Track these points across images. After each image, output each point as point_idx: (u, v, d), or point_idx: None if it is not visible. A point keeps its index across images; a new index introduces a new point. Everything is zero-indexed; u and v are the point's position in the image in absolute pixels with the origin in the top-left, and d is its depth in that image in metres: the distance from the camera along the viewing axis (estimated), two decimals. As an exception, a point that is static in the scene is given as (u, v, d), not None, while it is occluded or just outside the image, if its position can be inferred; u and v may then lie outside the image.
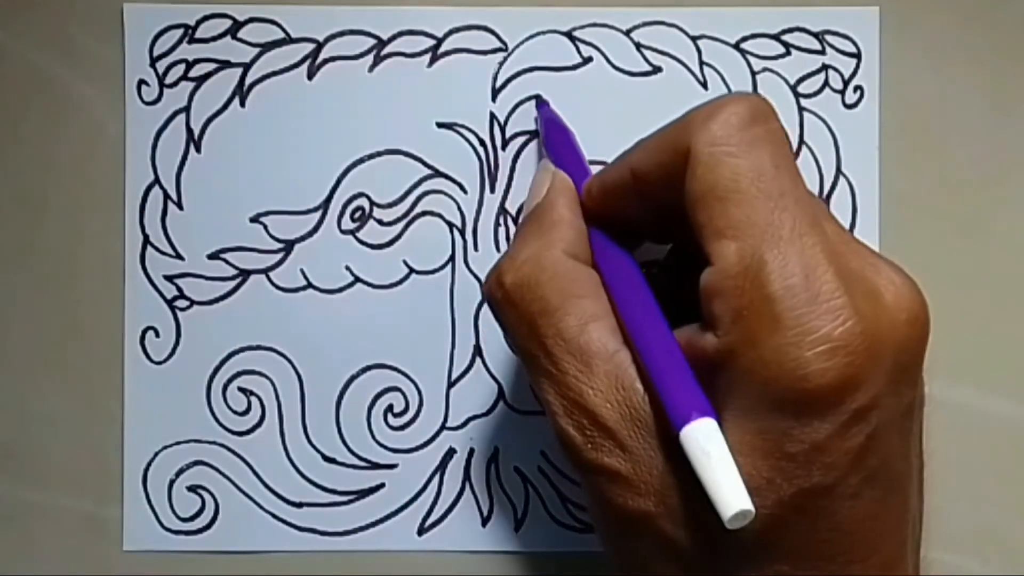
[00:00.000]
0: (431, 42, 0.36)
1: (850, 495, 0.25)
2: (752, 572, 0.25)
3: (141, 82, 0.36)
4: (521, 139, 0.36)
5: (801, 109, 0.36)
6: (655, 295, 0.28)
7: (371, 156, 0.36)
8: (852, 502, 0.25)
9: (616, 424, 0.26)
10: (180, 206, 0.36)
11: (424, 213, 0.36)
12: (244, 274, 0.36)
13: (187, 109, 0.36)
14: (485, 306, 0.36)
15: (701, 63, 0.36)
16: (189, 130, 0.36)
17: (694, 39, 0.36)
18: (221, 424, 0.36)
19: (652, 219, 0.30)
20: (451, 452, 0.36)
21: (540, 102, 0.36)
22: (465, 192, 0.36)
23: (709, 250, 0.26)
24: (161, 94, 0.36)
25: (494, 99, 0.36)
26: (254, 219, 0.36)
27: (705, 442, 0.24)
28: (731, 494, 0.23)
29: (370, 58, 0.36)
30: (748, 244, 0.25)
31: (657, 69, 0.36)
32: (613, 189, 0.30)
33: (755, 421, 0.25)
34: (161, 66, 0.36)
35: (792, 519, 0.25)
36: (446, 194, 0.36)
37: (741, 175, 0.26)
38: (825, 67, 0.36)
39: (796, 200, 0.26)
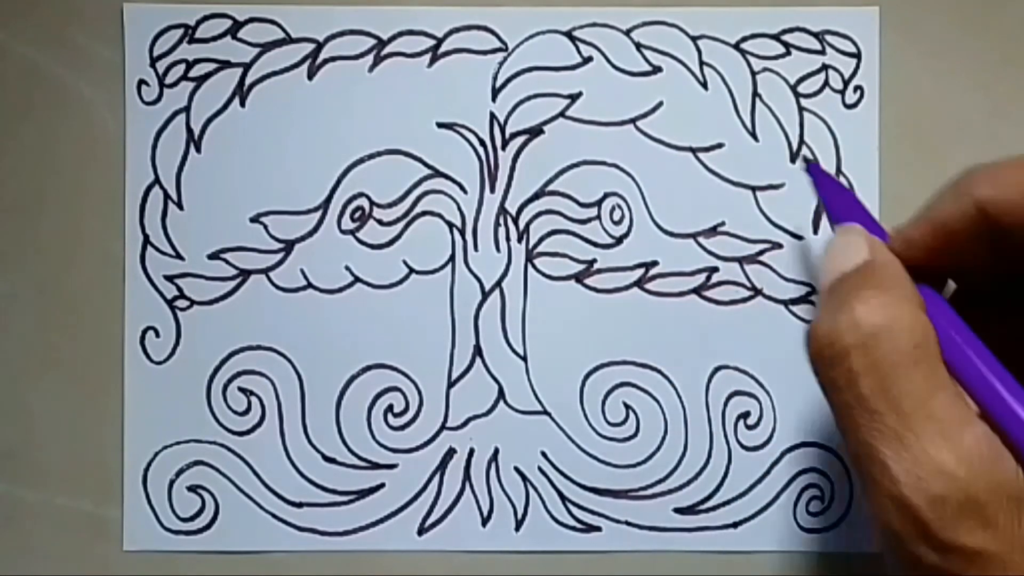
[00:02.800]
0: (431, 42, 0.36)
1: None
2: None
3: (141, 82, 0.36)
4: (521, 139, 0.36)
5: (801, 109, 0.36)
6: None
7: (371, 156, 0.36)
8: None
9: (987, 496, 0.23)
10: (180, 206, 0.36)
11: (424, 213, 0.36)
12: (244, 274, 0.36)
13: (187, 109, 0.36)
14: (485, 306, 0.36)
15: (701, 63, 0.36)
16: (189, 130, 0.36)
17: (694, 39, 0.36)
18: (221, 424, 0.36)
19: (995, 266, 0.27)
20: (451, 452, 0.36)
21: (810, 163, 0.34)
22: (465, 192, 0.36)
23: None
24: (161, 94, 0.36)
25: (494, 99, 0.36)
26: (254, 219, 0.36)
27: None
28: None
29: (370, 58, 0.36)
30: None
31: (657, 69, 0.36)
32: (951, 230, 0.26)
33: None
34: (161, 66, 0.36)
35: None
36: (446, 194, 0.36)
37: None
38: (825, 67, 0.36)
39: None
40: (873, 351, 0.25)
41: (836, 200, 0.31)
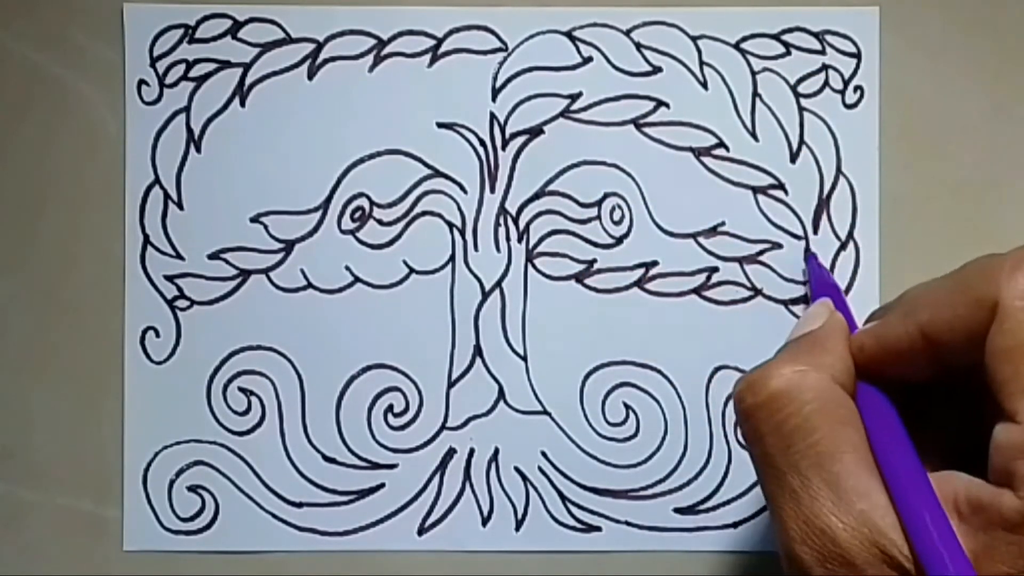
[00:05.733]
0: (431, 42, 0.36)
1: None
2: None
3: (141, 82, 0.36)
4: (521, 139, 0.36)
5: (801, 109, 0.36)
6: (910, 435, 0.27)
7: (371, 156, 0.36)
8: None
9: (865, 563, 0.25)
10: (180, 206, 0.36)
11: (424, 213, 0.36)
12: (244, 274, 0.36)
13: (187, 109, 0.36)
14: (485, 306, 0.36)
15: (701, 63, 0.36)
16: (189, 130, 0.36)
17: (694, 39, 0.36)
18: (221, 424, 0.36)
19: (932, 376, 0.28)
20: (451, 452, 0.36)
21: (809, 254, 0.36)
22: (465, 192, 0.36)
23: (1013, 408, 0.25)
24: (161, 94, 0.36)
25: (494, 99, 0.36)
26: (254, 219, 0.36)
27: None
28: None
29: (370, 58, 0.36)
30: None
31: (657, 69, 0.36)
32: (895, 348, 0.28)
33: None
34: (161, 66, 0.36)
35: None
36: (446, 194, 0.36)
37: None
38: (825, 67, 0.36)
39: None
40: (776, 413, 0.27)
41: (822, 286, 0.34)
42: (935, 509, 0.25)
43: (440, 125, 0.36)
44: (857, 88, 0.36)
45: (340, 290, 0.36)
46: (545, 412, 0.36)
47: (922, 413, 0.29)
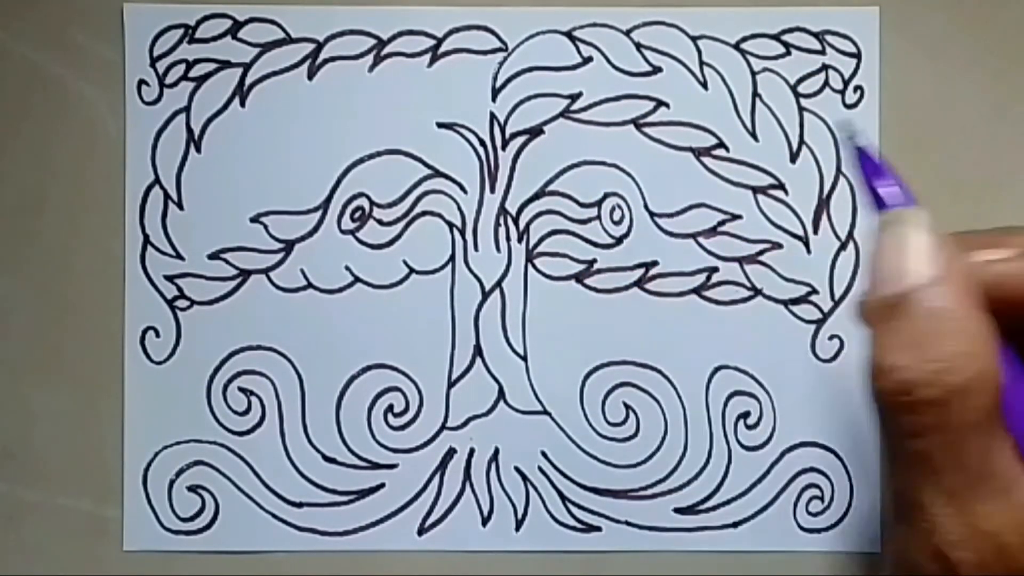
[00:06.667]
0: (431, 42, 0.36)
1: None
2: None
3: (141, 82, 0.36)
4: (521, 139, 0.36)
5: (801, 109, 0.36)
6: None
7: (371, 156, 0.36)
8: None
9: None
10: (180, 206, 0.36)
11: (424, 213, 0.36)
12: (244, 274, 0.36)
13: (187, 109, 0.36)
14: (485, 306, 0.36)
15: (701, 63, 0.36)
16: (189, 130, 0.36)
17: (694, 39, 0.36)
18: (221, 424, 0.36)
19: None
20: (451, 452, 0.36)
21: (850, 135, 0.29)
22: (465, 192, 0.36)
23: None
24: (161, 94, 0.36)
25: (494, 99, 0.36)
26: (254, 219, 0.36)
27: None
28: None
29: (370, 58, 0.36)
30: None
31: (657, 69, 0.36)
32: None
33: None
34: (161, 66, 0.36)
35: None
36: (446, 194, 0.36)
37: None
38: (825, 67, 0.36)
39: None
40: (952, 410, 0.23)
41: (881, 180, 0.27)
42: None
43: (440, 125, 0.36)
44: (857, 88, 0.36)
45: (340, 290, 0.36)
46: (545, 412, 0.36)
47: None
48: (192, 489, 0.36)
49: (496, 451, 0.36)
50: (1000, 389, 0.23)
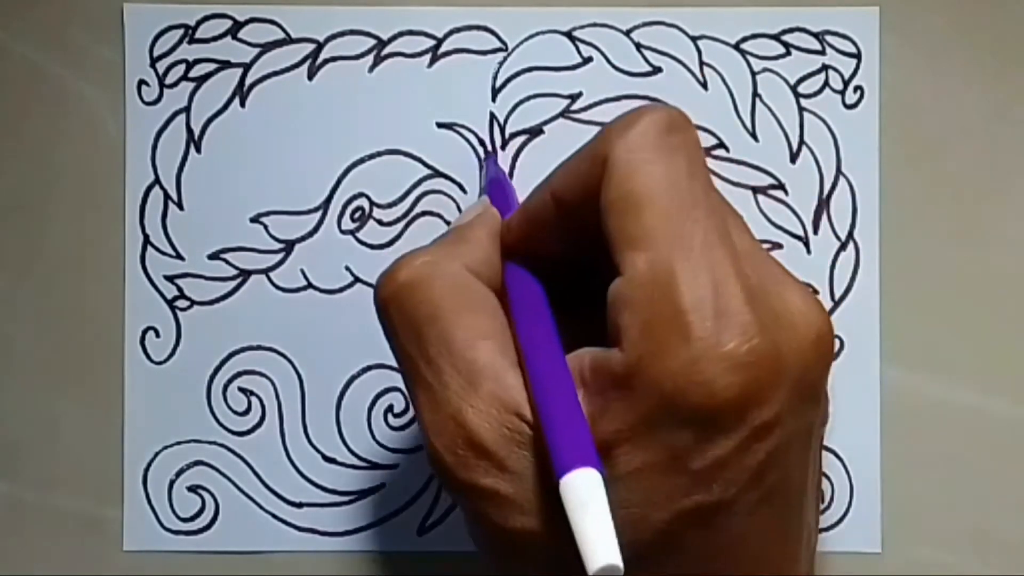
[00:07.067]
0: (431, 42, 0.36)
1: (747, 511, 0.25)
2: None
3: (141, 82, 0.36)
4: (521, 139, 0.36)
5: (801, 109, 0.36)
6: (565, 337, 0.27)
7: (371, 156, 0.36)
8: (748, 518, 0.25)
9: (495, 444, 0.25)
10: (180, 206, 0.36)
11: (424, 213, 0.36)
12: (244, 274, 0.36)
13: (187, 109, 0.36)
14: (485, 306, 0.36)
15: (701, 63, 0.36)
16: (189, 130, 0.36)
17: (694, 39, 0.36)
18: (221, 424, 0.36)
19: (573, 247, 0.29)
20: (451, 452, 0.36)
21: (488, 156, 0.36)
22: (465, 192, 0.36)
23: (620, 260, 0.25)
24: (161, 94, 0.36)
25: (494, 99, 0.36)
26: (254, 219, 0.36)
27: (584, 493, 0.23)
28: (601, 549, 0.22)
29: (370, 58, 0.36)
30: (659, 255, 0.24)
31: (657, 69, 0.36)
32: (535, 216, 0.29)
33: (660, 437, 0.24)
34: (161, 66, 0.36)
35: (687, 534, 0.25)
36: (446, 194, 0.36)
37: (655, 183, 0.25)
38: (825, 67, 0.36)
39: (708, 212, 0.25)
40: (406, 304, 0.27)
41: (493, 189, 0.33)
42: (562, 380, 0.25)
43: (440, 125, 0.36)
44: (857, 88, 0.36)
45: (340, 290, 0.36)
46: (545, 412, 0.36)
47: (585, 293, 0.28)
48: (192, 489, 0.36)
49: (496, 451, 0.36)
50: (467, 293, 0.27)
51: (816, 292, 0.36)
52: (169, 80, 0.36)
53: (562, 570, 0.25)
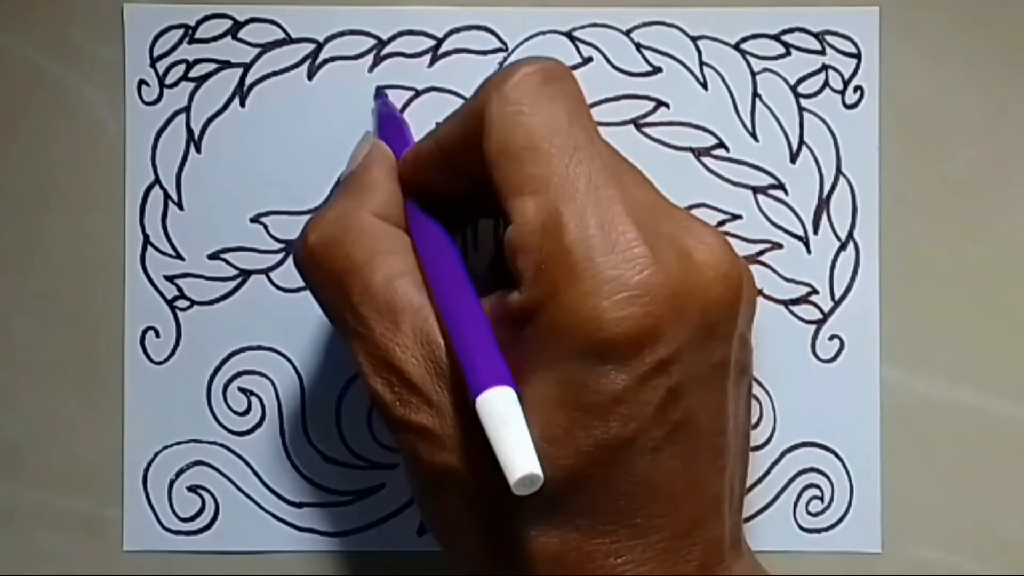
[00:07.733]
0: (431, 42, 0.36)
1: (651, 448, 0.25)
2: (553, 527, 0.26)
3: (141, 82, 0.36)
4: (521, 139, 0.36)
5: (801, 109, 0.36)
6: (471, 270, 0.28)
7: (371, 156, 0.36)
8: (653, 456, 0.25)
9: (421, 380, 0.26)
10: (180, 206, 0.36)
11: (424, 213, 0.36)
12: (244, 274, 0.36)
13: (187, 109, 0.36)
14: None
15: (701, 63, 0.36)
16: (189, 130, 0.36)
17: (694, 39, 0.36)
18: (221, 424, 0.36)
19: (463, 191, 0.29)
20: (451, 452, 0.36)
21: (379, 92, 0.36)
22: (465, 192, 0.36)
23: (509, 208, 0.26)
24: (161, 94, 0.36)
25: (494, 99, 0.36)
26: (254, 219, 0.36)
27: (501, 409, 0.24)
28: (520, 458, 0.23)
29: (370, 58, 0.36)
30: (545, 199, 0.25)
31: (657, 69, 0.36)
32: (424, 160, 0.30)
33: (557, 373, 0.25)
34: (161, 66, 0.36)
35: (591, 472, 0.25)
36: (446, 194, 0.36)
37: (535, 132, 0.26)
38: (825, 67, 0.36)
39: (592, 155, 0.26)
40: (325, 262, 0.28)
41: (384, 124, 0.34)
42: (471, 307, 0.26)
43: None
44: (857, 88, 0.36)
45: (340, 290, 0.36)
46: (545, 412, 0.36)
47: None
48: (192, 489, 0.36)
49: (496, 451, 0.36)
50: (371, 239, 0.28)
51: (815, 292, 0.36)
52: (169, 80, 0.36)
53: (478, 505, 0.26)
